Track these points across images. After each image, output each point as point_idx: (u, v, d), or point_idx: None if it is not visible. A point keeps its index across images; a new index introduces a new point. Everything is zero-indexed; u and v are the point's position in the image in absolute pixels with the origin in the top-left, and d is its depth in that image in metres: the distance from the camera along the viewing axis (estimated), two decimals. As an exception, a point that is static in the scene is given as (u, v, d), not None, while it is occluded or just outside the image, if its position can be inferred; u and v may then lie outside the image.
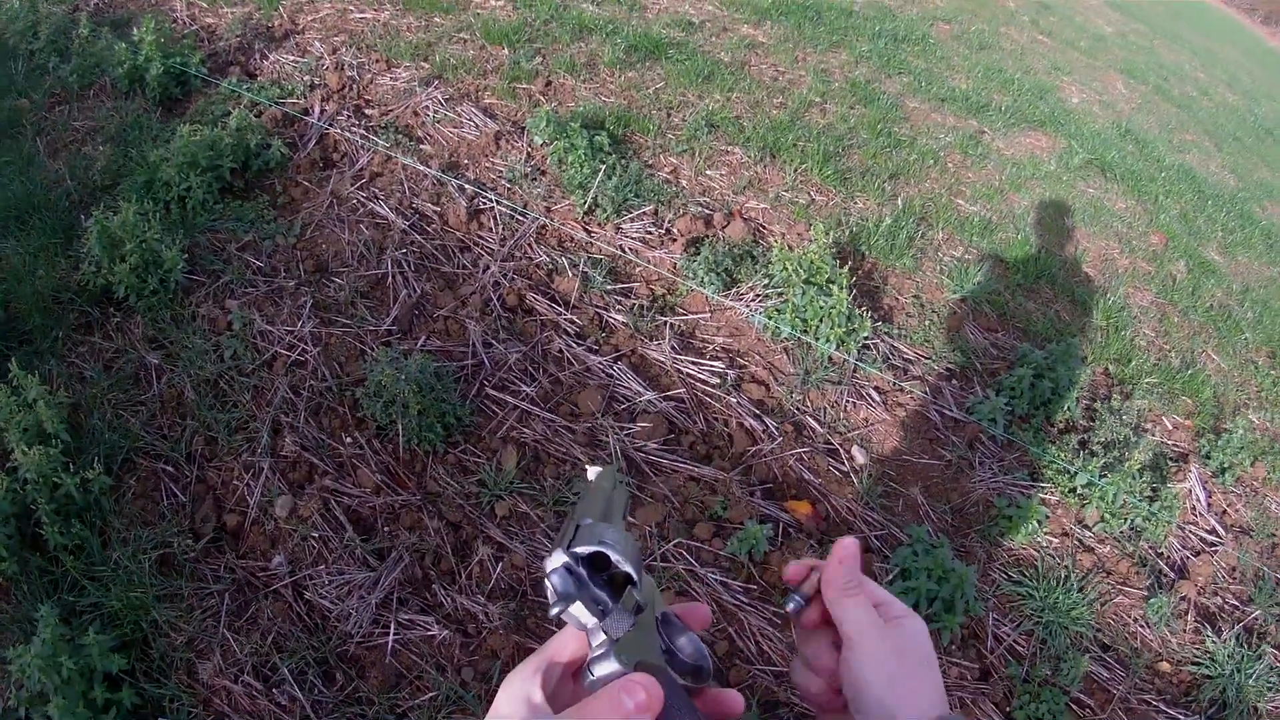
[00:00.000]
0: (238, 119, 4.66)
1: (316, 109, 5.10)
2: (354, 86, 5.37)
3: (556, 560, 0.81)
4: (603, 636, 0.78)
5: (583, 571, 0.81)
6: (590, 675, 0.76)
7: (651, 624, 0.82)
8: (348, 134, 4.92)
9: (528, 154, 5.05)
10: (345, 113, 5.12)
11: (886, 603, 1.07)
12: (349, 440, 3.57)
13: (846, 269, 4.50)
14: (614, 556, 0.82)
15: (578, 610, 0.79)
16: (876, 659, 1.00)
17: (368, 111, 5.20)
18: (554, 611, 0.79)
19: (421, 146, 4.98)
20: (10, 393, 3.29)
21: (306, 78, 5.38)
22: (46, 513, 3.04)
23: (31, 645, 2.64)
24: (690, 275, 4.49)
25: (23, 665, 2.62)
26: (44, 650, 2.61)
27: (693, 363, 4.15)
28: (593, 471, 1.02)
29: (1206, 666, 3.75)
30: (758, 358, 4.30)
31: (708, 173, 5.40)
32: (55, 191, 4.53)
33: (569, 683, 0.85)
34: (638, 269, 4.56)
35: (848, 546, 1.06)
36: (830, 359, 4.34)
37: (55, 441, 3.22)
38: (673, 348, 4.18)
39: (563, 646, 0.85)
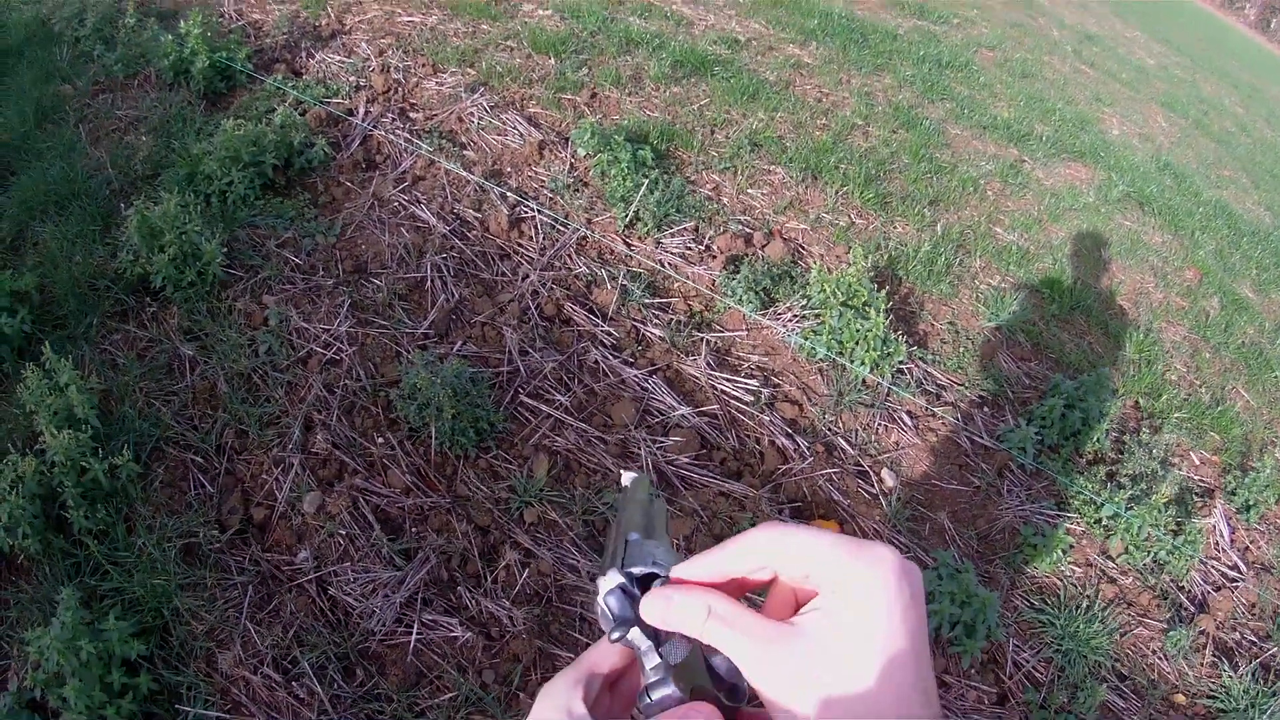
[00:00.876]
0: (282, 116, 4.70)
1: (361, 110, 5.14)
2: (399, 89, 5.41)
3: (612, 581, 0.80)
4: (658, 661, 0.77)
5: (636, 592, 0.80)
6: (647, 699, 0.75)
7: (698, 646, 0.83)
8: (391, 136, 4.95)
9: (571, 165, 5.08)
10: (390, 115, 5.15)
11: (805, 572, 0.73)
12: (381, 440, 3.59)
13: (884, 293, 4.51)
14: (665, 575, 0.81)
15: (635, 635, 0.79)
16: (775, 692, 0.70)
17: (412, 115, 5.23)
18: (614, 637, 0.79)
19: (465, 152, 5.01)
20: (43, 376, 3.30)
21: (352, 78, 5.42)
22: (73, 496, 3.06)
23: (51, 627, 2.65)
24: (729, 293, 4.50)
25: (41, 647, 2.63)
26: (63, 633, 2.62)
27: (727, 380, 4.15)
28: (627, 477, 1.00)
29: (1222, 701, 3.73)
30: (792, 377, 4.31)
31: (749, 191, 5.41)
32: (96, 179, 4.55)
33: (606, 695, 0.84)
34: (676, 284, 4.57)
35: (698, 568, 0.78)
36: (864, 382, 4.35)
37: (85, 426, 3.23)
38: (708, 364, 4.19)
39: (602, 658, 0.84)
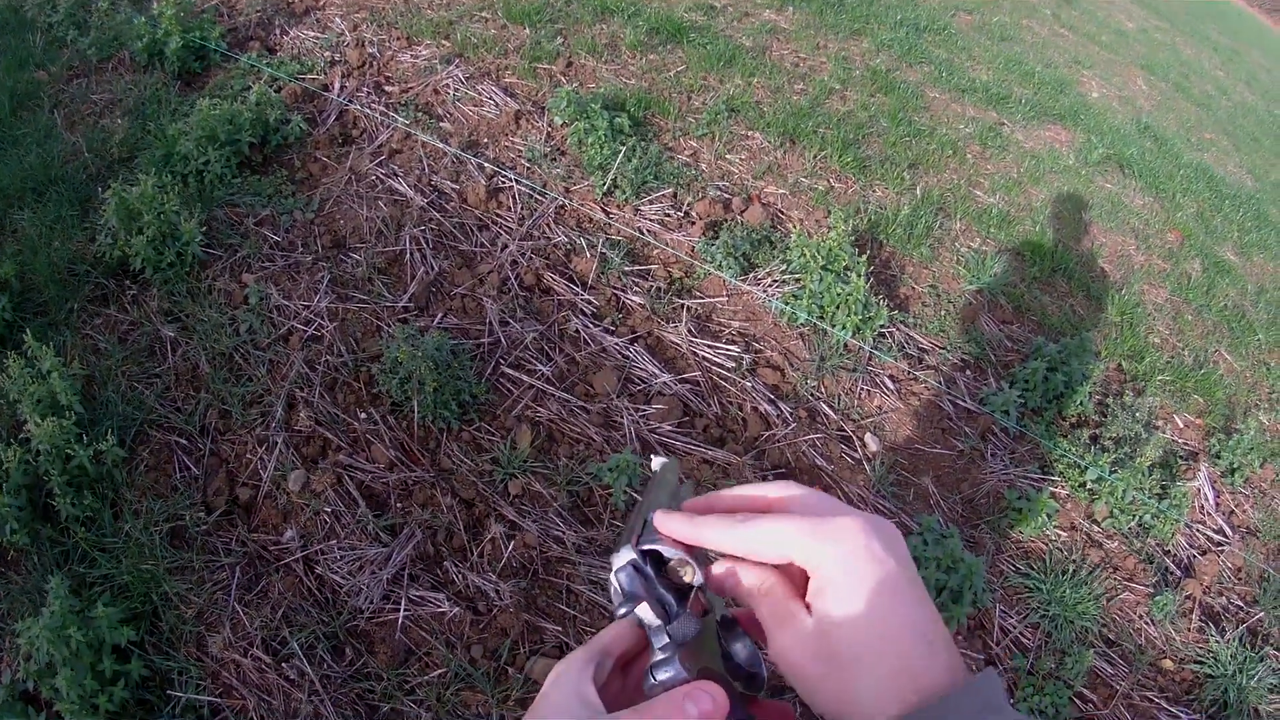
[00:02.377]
0: (257, 94, 4.66)
1: (336, 85, 5.10)
2: (374, 63, 5.36)
3: (624, 557, 0.81)
4: (666, 640, 0.77)
5: (649, 570, 0.81)
6: (652, 679, 0.75)
7: (713, 627, 0.81)
8: (367, 111, 4.91)
9: (548, 134, 5.04)
10: (365, 89, 5.11)
11: (786, 562, 0.78)
12: (363, 416, 3.58)
13: (864, 257, 4.50)
14: (681, 558, 0.82)
15: (643, 611, 0.79)
16: (788, 666, 0.76)
17: (388, 88, 5.19)
18: (620, 612, 0.79)
19: (441, 124, 4.98)
20: (25, 364, 3.30)
21: (327, 54, 5.38)
22: (59, 484, 3.05)
23: (40, 617, 2.65)
24: (708, 259, 4.49)
25: (31, 638, 2.62)
26: (53, 622, 2.61)
27: (709, 346, 4.15)
28: (657, 463, 1.01)
29: (1209, 666, 3.75)
30: (773, 343, 4.30)
31: (727, 157, 5.39)
32: (72, 164, 4.52)
33: (618, 678, 0.84)
34: (656, 251, 4.55)
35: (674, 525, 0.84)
36: (846, 346, 4.34)
37: (68, 413, 3.22)
38: (689, 330, 4.18)
39: (615, 640, 0.83)
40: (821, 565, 0.75)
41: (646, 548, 0.81)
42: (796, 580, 0.80)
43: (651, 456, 1.08)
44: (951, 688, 0.70)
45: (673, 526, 0.83)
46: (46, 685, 2.62)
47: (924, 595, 0.76)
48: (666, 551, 0.81)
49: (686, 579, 0.83)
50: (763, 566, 0.81)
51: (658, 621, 0.78)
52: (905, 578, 0.75)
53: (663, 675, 0.74)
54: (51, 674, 2.61)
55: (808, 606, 0.77)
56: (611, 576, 0.81)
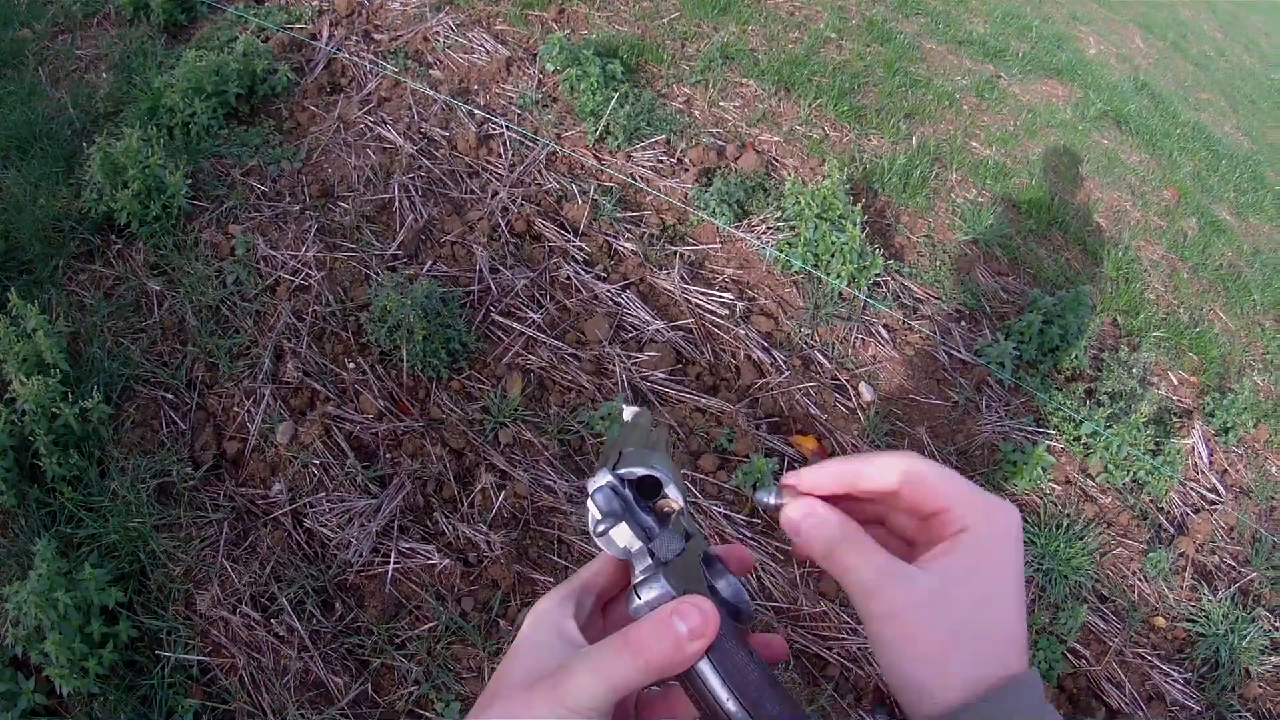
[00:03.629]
0: (244, 44, 4.59)
1: (324, 34, 5.02)
2: (363, 11, 5.28)
3: (601, 479, 0.77)
4: (648, 561, 0.73)
5: (627, 493, 0.78)
6: (636, 599, 0.71)
7: (696, 559, 0.78)
8: (356, 59, 4.84)
9: (539, 81, 4.98)
10: (354, 38, 5.03)
11: (940, 509, 0.74)
12: (352, 366, 3.54)
13: (859, 206, 4.46)
14: (661, 477, 0.78)
15: (622, 532, 0.76)
16: (898, 631, 0.70)
17: (376, 36, 5.12)
18: (600, 529, 0.76)
19: (431, 72, 4.90)
20: (9, 323, 3.25)
21: (315, 2, 5.29)
22: (45, 444, 3.01)
23: (28, 581, 2.62)
24: (701, 205, 4.44)
25: (19, 602, 2.59)
26: (40, 585, 2.58)
27: (701, 293, 4.10)
28: (629, 411, 0.96)
29: (1201, 625, 3.76)
30: (767, 290, 4.26)
31: (721, 104, 5.33)
32: (57, 120, 4.46)
33: (599, 617, 0.81)
34: (648, 198, 4.50)
35: (828, 474, 0.79)
36: (840, 295, 4.30)
37: (54, 371, 3.18)
38: (682, 278, 4.14)
39: (594, 576, 0.80)
40: (971, 533, 0.72)
41: (622, 471, 0.77)
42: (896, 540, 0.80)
43: (624, 405, 1.04)
44: (1021, 671, 0.69)
45: (826, 468, 0.79)
46: (35, 650, 2.59)
47: (1024, 587, 0.74)
48: (641, 470, 0.78)
49: (668, 508, 0.80)
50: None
51: (639, 543, 0.75)
52: (1023, 570, 0.74)
53: (648, 594, 0.70)
54: (40, 638, 2.58)
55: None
56: (589, 500, 0.77)
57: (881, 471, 0.76)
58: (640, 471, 0.78)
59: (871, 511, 0.81)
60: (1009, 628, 0.70)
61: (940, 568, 0.71)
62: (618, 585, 0.82)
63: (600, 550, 0.78)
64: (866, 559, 0.73)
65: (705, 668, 0.66)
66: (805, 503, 0.77)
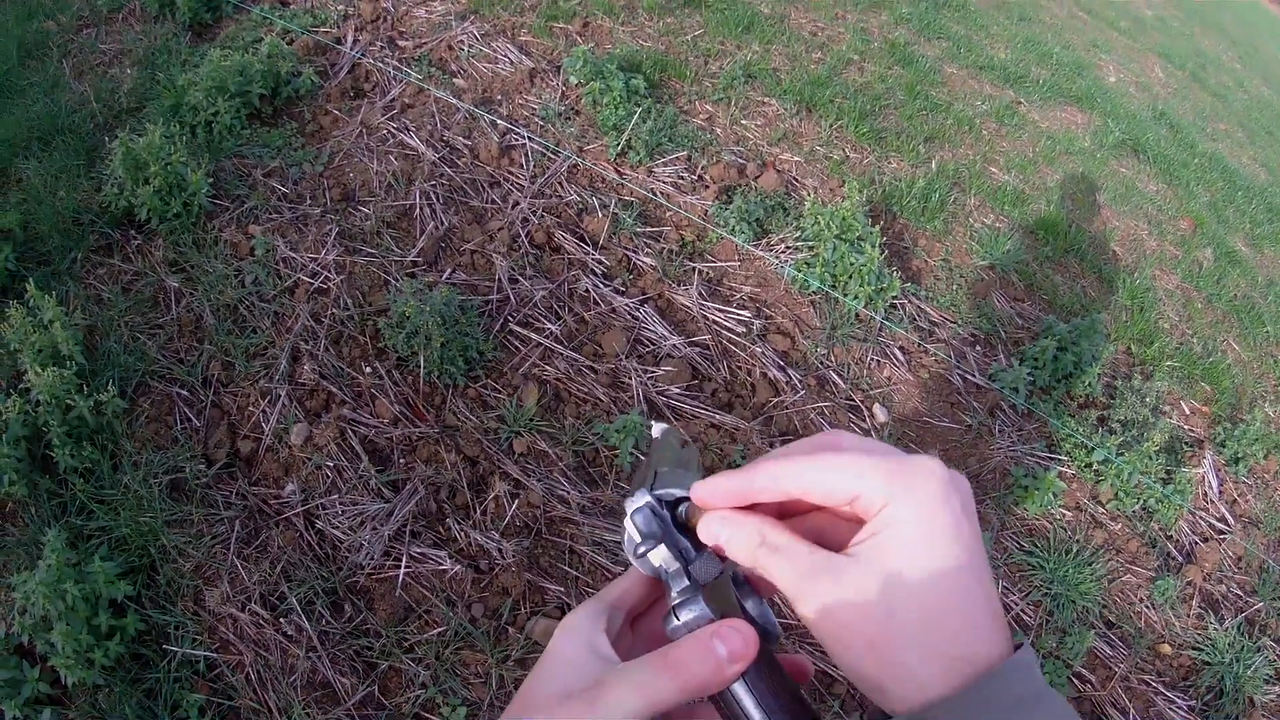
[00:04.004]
0: (269, 46, 4.62)
1: (349, 38, 5.05)
2: (388, 18, 5.31)
3: (640, 500, 0.78)
4: (686, 582, 0.73)
5: (665, 514, 0.78)
6: (675, 620, 0.71)
7: (727, 579, 0.78)
8: (380, 65, 4.86)
9: (562, 93, 4.99)
10: (378, 43, 5.06)
11: (853, 496, 0.66)
12: (369, 370, 3.55)
13: (878, 228, 4.47)
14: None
15: (660, 553, 0.76)
16: (835, 628, 0.65)
17: (401, 43, 5.14)
18: (640, 551, 0.76)
19: (455, 80, 4.92)
20: (26, 314, 3.26)
21: (340, 7, 5.33)
22: (58, 435, 3.03)
23: (37, 570, 2.62)
24: (721, 223, 4.45)
25: (27, 591, 2.60)
26: (49, 576, 2.59)
27: (719, 310, 4.11)
28: (658, 429, 0.97)
29: (1207, 653, 3.75)
30: (785, 309, 4.26)
31: (743, 122, 5.34)
32: (80, 114, 4.49)
33: (628, 632, 0.80)
34: (668, 213, 4.51)
35: (721, 488, 0.73)
36: (857, 316, 4.31)
37: (70, 363, 3.19)
38: (700, 294, 4.15)
39: (625, 593, 0.79)
40: (893, 507, 0.64)
41: (660, 493, 0.78)
42: (827, 531, 0.73)
43: (652, 422, 1.05)
44: (1001, 659, 0.62)
45: (716, 484, 0.74)
46: (42, 639, 2.59)
47: (986, 561, 0.66)
48: (679, 492, 0.78)
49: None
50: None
51: (676, 564, 0.75)
52: (976, 538, 0.65)
53: (687, 615, 0.70)
54: (47, 628, 2.59)
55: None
56: (627, 520, 0.78)
57: (771, 483, 0.70)
58: (678, 493, 0.78)
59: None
60: (966, 607, 0.63)
61: (866, 551, 0.65)
62: (647, 602, 0.81)
63: (634, 566, 0.79)
64: (789, 560, 0.68)
65: (739, 688, 0.66)
66: (717, 516, 0.73)
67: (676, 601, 0.72)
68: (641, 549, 0.76)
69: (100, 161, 4.12)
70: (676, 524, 0.78)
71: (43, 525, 2.94)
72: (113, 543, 2.97)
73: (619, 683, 0.66)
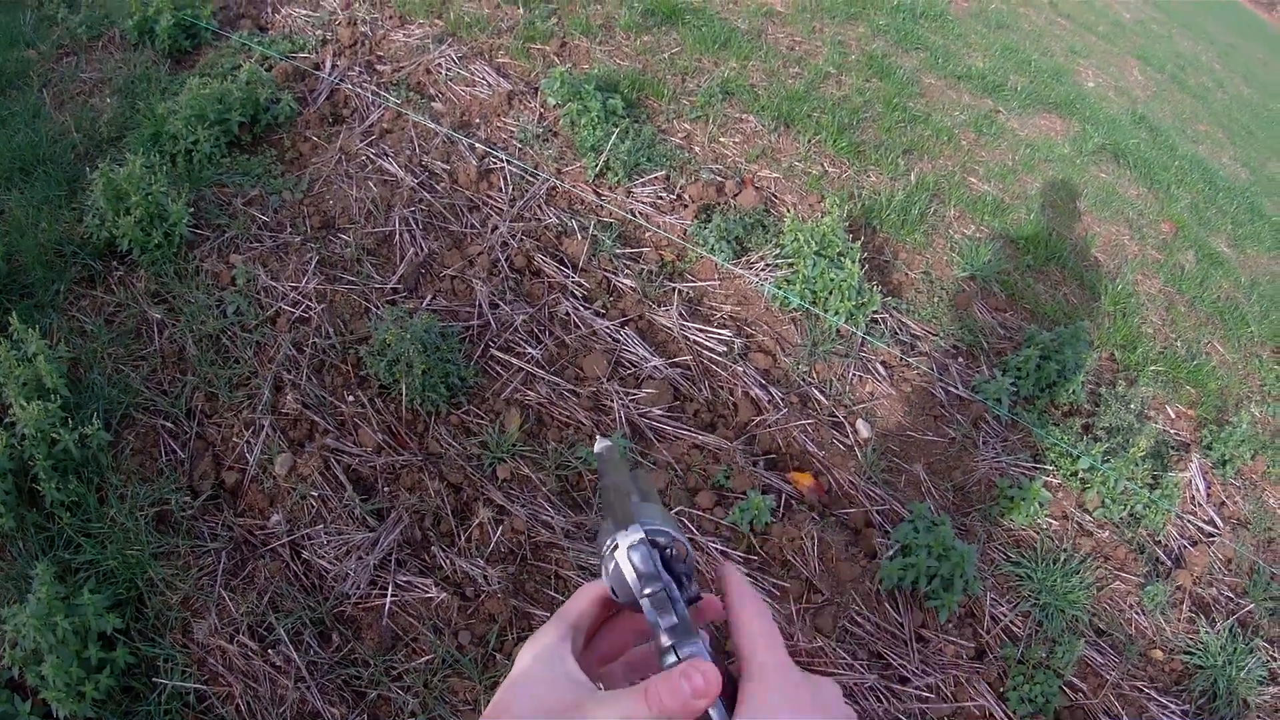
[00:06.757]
0: (248, 73, 4.63)
1: (328, 64, 5.06)
2: (366, 42, 5.32)
3: (634, 535, 0.80)
4: (675, 620, 0.77)
5: (656, 554, 0.80)
6: (674, 657, 0.76)
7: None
8: (358, 90, 4.87)
9: (540, 115, 5.01)
10: (356, 68, 5.07)
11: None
12: (351, 399, 3.55)
13: (858, 243, 4.49)
14: (682, 542, 0.82)
15: (658, 598, 0.79)
16: (785, 707, 0.76)
17: (379, 68, 5.15)
18: (646, 591, 0.79)
19: (433, 104, 4.93)
20: (10, 347, 3.27)
21: (318, 32, 5.33)
22: (44, 468, 3.03)
23: (26, 604, 2.63)
24: (700, 242, 4.46)
25: (17, 625, 2.61)
26: (39, 609, 2.59)
27: (700, 330, 4.12)
28: (601, 444, 1.00)
29: (1199, 657, 3.75)
30: (765, 327, 4.28)
31: (721, 140, 5.36)
32: (60, 144, 4.49)
33: (584, 653, 0.84)
34: (648, 234, 4.52)
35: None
36: (838, 331, 4.32)
37: (54, 396, 3.19)
38: (680, 314, 4.16)
39: (583, 615, 0.85)
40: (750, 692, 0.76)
41: (651, 529, 0.81)
42: None
43: (597, 438, 1.08)
44: None
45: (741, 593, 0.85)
46: (33, 672, 2.60)
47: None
48: (672, 532, 0.82)
49: (678, 552, 0.83)
50: None
51: (667, 603, 0.79)
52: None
53: (686, 653, 0.75)
54: (37, 661, 2.60)
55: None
56: (620, 553, 0.80)
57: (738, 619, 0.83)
58: (669, 531, 0.81)
59: None
60: None
61: (815, 685, 0.79)
62: (600, 620, 0.88)
63: (589, 586, 0.85)
64: (771, 632, 0.80)
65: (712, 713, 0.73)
66: (701, 668, 0.77)
67: (669, 642, 0.76)
68: (648, 589, 0.78)
69: (81, 192, 4.13)
70: (663, 560, 0.80)
71: (30, 559, 2.95)
72: (101, 576, 2.97)
73: (602, 709, 0.72)
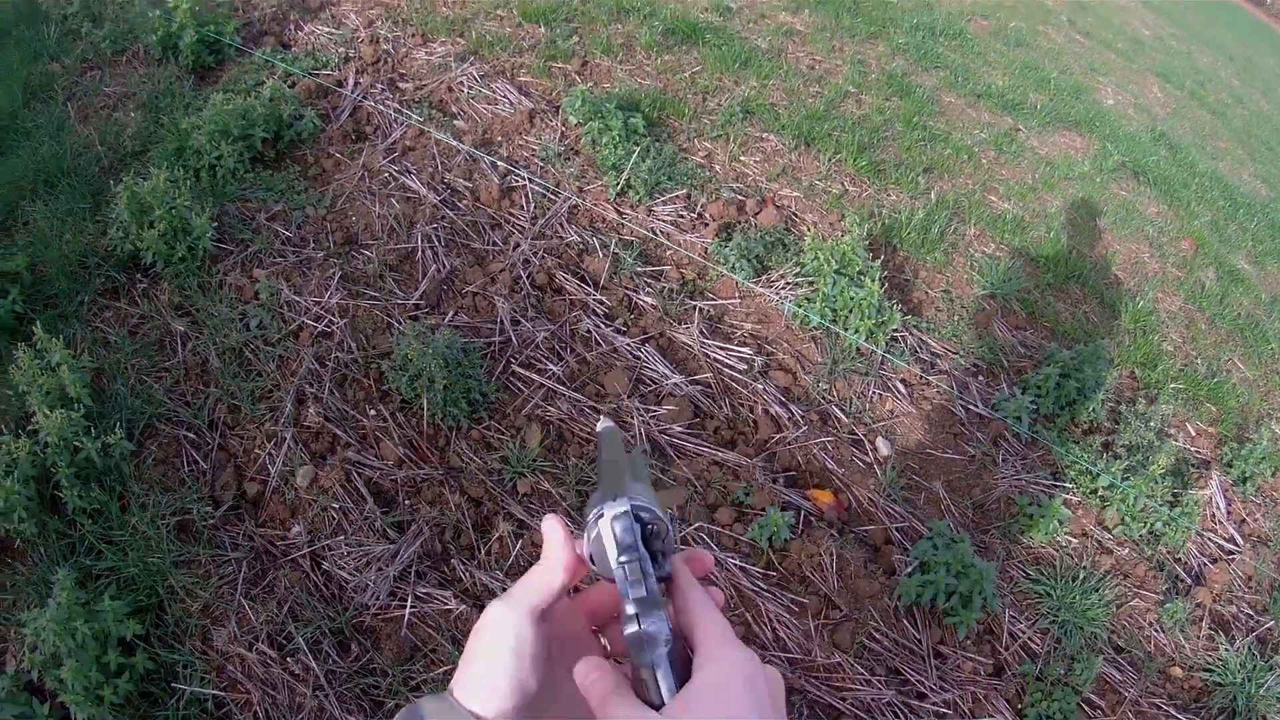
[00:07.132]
0: (271, 89, 4.67)
1: (350, 81, 5.10)
2: (389, 60, 5.36)
3: (622, 506, 0.81)
4: (644, 594, 0.79)
5: (638, 527, 0.81)
6: (635, 625, 0.79)
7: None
8: (381, 107, 4.91)
9: (561, 133, 5.04)
10: (379, 86, 5.11)
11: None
12: (373, 413, 3.57)
13: (878, 261, 4.49)
14: (666, 522, 0.83)
15: (633, 568, 0.80)
16: (733, 687, 0.75)
17: (402, 85, 5.19)
18: (621, 559, 0.80)
19: (455, 122, 4.97)
20: (34, 356, 3.30)
21: (341, 50, 5.37)
22: (66, 476, 3.05)
23: (47, 609, 2.65)
24: (721, 260, 4.48)
25: (37, 629, 2.63)
26: (59, 614, 2.62)
27: (720, 348, 4.13)
28: (603, 424, 1.04)
29: (1218, 674, 3.74)
30: (786, 345, 4.28)
31: (742, 159, 5.38)
32: (85, 156, 4.53)
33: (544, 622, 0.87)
34: (668, 252, 4.54)
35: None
36: (858, 350, 4.33)
37: (77, 405, 3.23)
38: (701, 332, 4.17)
39: (549, 592, 0.87)
40: (704, 672, 0.77)
41: (637, 503, 0.82)
42: None
43: (601, 418, 1.10)
44: None
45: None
46: (52, 676, 2.62)
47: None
48: (658, 511, 0.83)
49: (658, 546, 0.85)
50: None
51: (639, 576, 0.81)
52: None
53: (649, 625, 0.78)
54: (57, 665, 2.62)
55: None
56: (604, 522, 0.82)
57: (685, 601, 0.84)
58: (653, 509, 0.82)
59: None
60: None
61: (674, 712, 0.75)
62: (559, 592, 0.88)
63: (561, 564, 0.87)
64: (622, 713, 0.77)
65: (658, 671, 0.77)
66: (592, 662, 0.81)
67: (633, 611, 0.79)
68: (623, 558, 0.80)
69: (106, 205, 4.17)
70: (644, 535, 0.82)
71: (51, 564, 2.98)
72: (121, 582, 3.00)
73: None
